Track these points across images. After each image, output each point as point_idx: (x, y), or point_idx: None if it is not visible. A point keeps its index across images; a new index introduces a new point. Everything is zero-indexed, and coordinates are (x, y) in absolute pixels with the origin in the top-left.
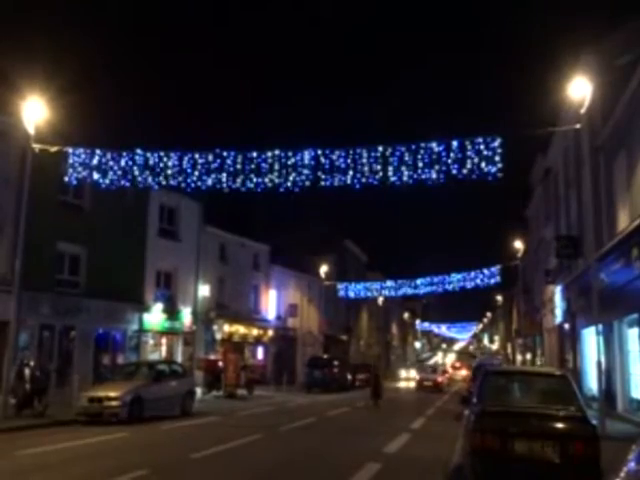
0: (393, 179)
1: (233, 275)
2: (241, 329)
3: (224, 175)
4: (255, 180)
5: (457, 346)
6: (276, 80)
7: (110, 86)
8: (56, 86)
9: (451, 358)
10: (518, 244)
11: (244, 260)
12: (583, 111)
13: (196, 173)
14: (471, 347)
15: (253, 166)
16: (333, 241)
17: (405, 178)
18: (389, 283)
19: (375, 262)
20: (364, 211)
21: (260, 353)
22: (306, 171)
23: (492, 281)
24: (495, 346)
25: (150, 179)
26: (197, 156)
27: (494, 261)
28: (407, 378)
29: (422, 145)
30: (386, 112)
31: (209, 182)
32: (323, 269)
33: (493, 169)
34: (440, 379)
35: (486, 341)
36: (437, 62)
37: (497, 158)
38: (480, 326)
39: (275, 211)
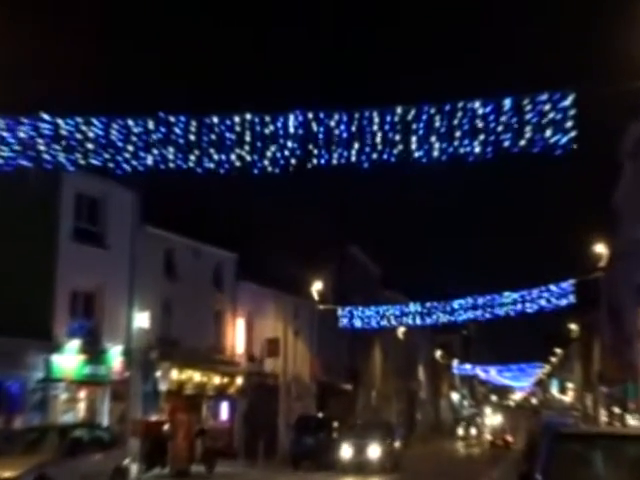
0: (418, 154)
1: (185, 297)
2: (197, 376)
3: (171, 150)
4: (216, 157)
5: (513, 398)
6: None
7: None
8: None
9: (499, 419)
10: (600, 248)
11: (200, 274)
12: None
13: (130, 147)
14: (534, 399)
15: (213, 137)
16: (331, 247)
17: (435, 153)
18: (413, 307)
19: (392, 277)
20: (376, 203)
21: (225, 411)
22: (291, 143)
23: (563, 302)
24: (568, 397)
25: (62, 156)
26: (131, 123)
27: (564, 273)
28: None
29: (460, 105)
30: (408, 55)
31: (149, 160)
32: (317, 287)
33: (563, 139)
34: (510, 439)
35: (555, 390)
36: None
37: (569, 123)
38: (546, 369)
39: (246, 203)
